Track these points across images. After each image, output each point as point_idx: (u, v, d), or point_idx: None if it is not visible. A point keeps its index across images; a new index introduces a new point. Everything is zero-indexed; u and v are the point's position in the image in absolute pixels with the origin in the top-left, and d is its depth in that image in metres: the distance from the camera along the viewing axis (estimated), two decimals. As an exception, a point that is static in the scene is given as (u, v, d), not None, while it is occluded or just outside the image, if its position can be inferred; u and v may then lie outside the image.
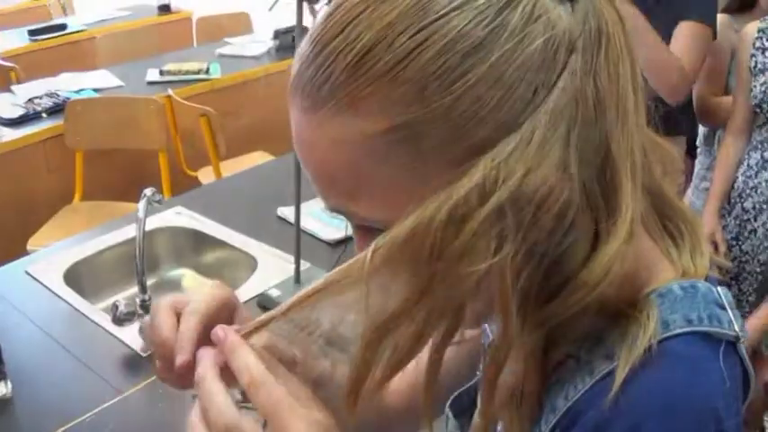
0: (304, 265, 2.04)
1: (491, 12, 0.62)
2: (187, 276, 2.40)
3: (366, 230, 0.71)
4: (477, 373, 0.92)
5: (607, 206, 0.66)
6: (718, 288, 0.74)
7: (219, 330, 0.77)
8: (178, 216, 2.49)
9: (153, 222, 2.36)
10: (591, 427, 0.69)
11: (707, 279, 0.75)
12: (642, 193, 0.70)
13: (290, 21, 3.96)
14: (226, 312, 0.85)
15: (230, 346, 0.75)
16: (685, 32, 2.40)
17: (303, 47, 0.68)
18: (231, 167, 3.67)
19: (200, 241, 2.40)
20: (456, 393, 0.94)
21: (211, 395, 0.73)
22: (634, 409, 0.67)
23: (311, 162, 0.69)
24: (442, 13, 0.62)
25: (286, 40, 4.77)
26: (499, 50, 0.61)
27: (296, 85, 0.68)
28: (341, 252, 2.16)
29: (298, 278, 2.01)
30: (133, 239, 1.98)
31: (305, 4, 1.79)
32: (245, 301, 2.01)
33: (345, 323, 0.73)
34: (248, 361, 0.74)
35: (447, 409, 0.94)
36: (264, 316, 0.76)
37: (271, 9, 1.72)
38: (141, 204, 1.85)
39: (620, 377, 0.67)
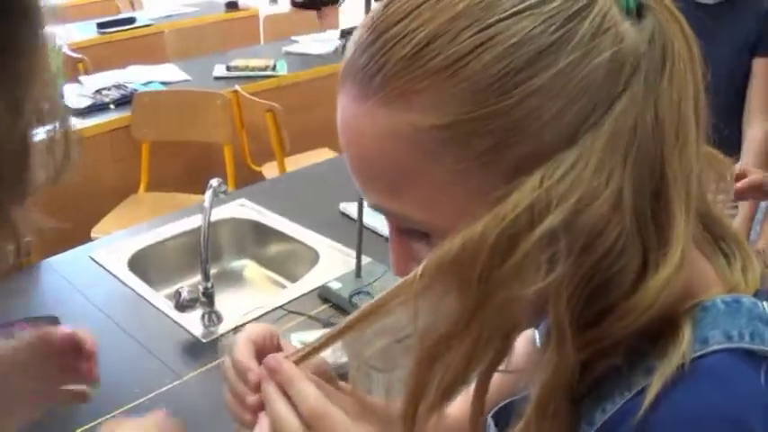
0: (365, 259, 2.03)
1: (560, 18, 0.60)
2: (249, 267, 2.41)
3: (404, 234, 0.69)
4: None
5: (659, 235, 0.63)
6: (765, 303, 0.71)
7: (272, 360, 0.76)
8: (241, 208, 2.50)
9: (217, 213, 2.37)
10: None
11: (757, 294, 0.72)
12: (695, 215, 0.67)
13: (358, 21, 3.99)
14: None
15: (287, 376, 0.75)
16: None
17: (359, 32, 0.66)
18: (295, 163, 3.69)
19: (263, 233, 2.41)
20: (501, 404, 0.91)
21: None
22: (661, 426, 0.64)
23: (356, 153, 0.67)
24: (510, 12, 0.59)
25: (352, 40, 4.77)
26: (565, 59, 0.59)
27: (347, 72, 0.66)
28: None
29: (359, 272, 2.00)
30: (197, 230, 1.99)
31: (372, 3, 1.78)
32: (307, 293, 2.02)
33: (393, 347, 0.71)
34: (307, 391, 0.74)
35: (489, 419, 0.91)
36: (315, 341, 0.76)
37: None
38: (208, 194, 1.86)
39: (651, 394, 0.65)
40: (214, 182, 1.88)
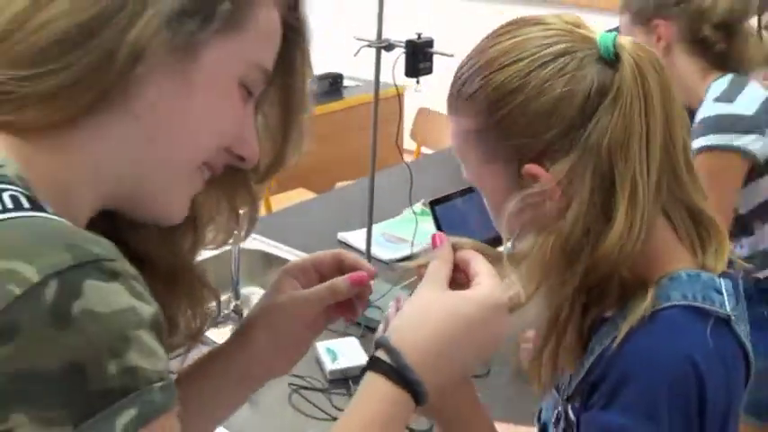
0: (370, 279, 2.28)
1: (564, 73, 0.98)
2: (257, 294, 2.64)
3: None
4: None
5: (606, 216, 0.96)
6: (722, 279, 1.01)
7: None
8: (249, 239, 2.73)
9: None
10: (595, 379, 0.99)
11: (724, 274, 1.03)
12: (678, 206, 1.01)
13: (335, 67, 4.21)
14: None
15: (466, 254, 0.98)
16: None
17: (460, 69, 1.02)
18: (277, 203, 3.92)
19: (270, 262, 2.65)
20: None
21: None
22: (625, 361, 0.97)
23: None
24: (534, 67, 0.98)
25: (323, 86, 5.05)
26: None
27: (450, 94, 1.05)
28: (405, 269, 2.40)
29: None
30: (219, 255, 2.24)
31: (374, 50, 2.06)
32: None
33: None
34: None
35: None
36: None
37: (356, 54, 1.98)
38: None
39: (619, 336, 0.97)
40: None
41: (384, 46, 2.03)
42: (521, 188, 1.00)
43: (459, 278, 0.95)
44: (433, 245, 0.98)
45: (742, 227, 2.30)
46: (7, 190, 0.64)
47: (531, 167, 0.99)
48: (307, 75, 0.92)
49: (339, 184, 3.84)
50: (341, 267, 1.05)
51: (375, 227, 2.53)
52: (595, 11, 3.95)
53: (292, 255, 2.61)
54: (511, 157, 1.01)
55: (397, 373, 0.84)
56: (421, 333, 0.87)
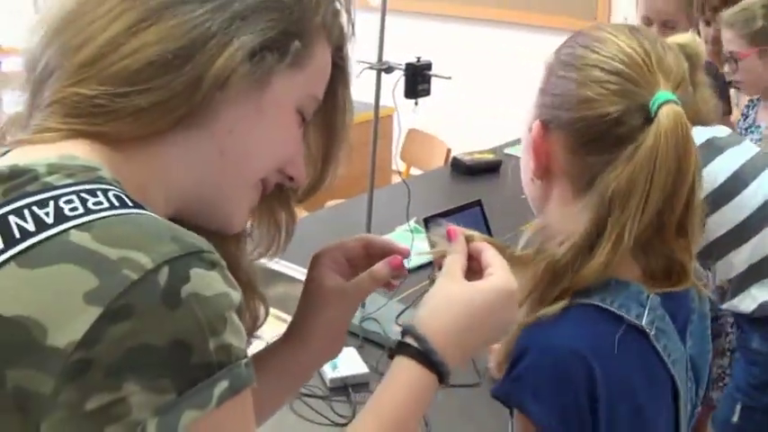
0: (368, 293, 2.36)
1: None
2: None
3: None
4: None
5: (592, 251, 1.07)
6: (652, 296, 1.12)
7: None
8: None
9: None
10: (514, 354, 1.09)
11: (677, 299, 1.16)
12: (657, 253, 1.12)
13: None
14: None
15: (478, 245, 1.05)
16: None
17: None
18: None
19: (266, 276, 2.71)
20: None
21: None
22: (525, 340, 1.08)
23: None
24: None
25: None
26: None
27: None
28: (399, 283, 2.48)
29: (364, 303, 2.33)
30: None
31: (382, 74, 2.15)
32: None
33: None
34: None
35: None
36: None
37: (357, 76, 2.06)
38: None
39: (522, 325, 1.09)
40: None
41: (384, 68, 2.12)
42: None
43: (473, 266, 1.04)
44: (449, 238, 1.06)
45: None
46: (111, 189, 0.73)
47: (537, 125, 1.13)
48: (347, 108, 1.02)
49: (329, 203, 3.92)
50: (368, 252, 1.12)
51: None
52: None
53: (291, 269, 2.68)
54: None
55: (425, 356, 0.93)
56: (444, 320, 0.96)
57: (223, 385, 0.68)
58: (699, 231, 1.12)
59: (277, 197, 1.01)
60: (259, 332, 1.06)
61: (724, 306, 2.45)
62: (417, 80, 2.14)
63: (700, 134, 2.26)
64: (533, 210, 1.23)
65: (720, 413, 2.53)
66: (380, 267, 1.07)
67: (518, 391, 1.06)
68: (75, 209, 0.69)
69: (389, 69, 2.13)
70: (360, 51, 2.06)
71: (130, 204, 0.73)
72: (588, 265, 1.06)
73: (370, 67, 2.11)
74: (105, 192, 0.72)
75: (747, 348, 2.46)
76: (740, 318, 2.47)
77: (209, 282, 0.69)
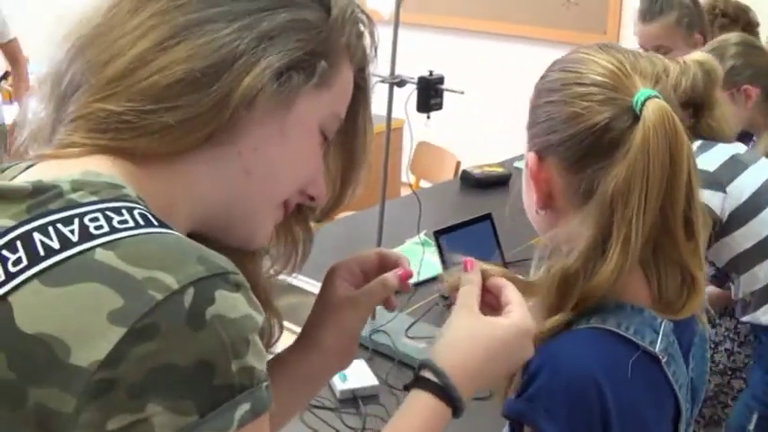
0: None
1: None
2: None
3: None
4: None
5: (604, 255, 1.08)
6: (666, 322, 1.14)
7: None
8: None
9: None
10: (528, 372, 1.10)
11: (684, 323, 1.17)
12: (669, 262, 1.13)
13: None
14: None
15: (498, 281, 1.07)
16: None
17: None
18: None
19: (280, 288, 2.71)
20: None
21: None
22: (540, 358, 1.08)
23: None
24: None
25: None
26: None
27: None
28: (410, 296, 2.49)
29: (374, 315, 2.34)
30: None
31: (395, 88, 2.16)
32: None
33: None
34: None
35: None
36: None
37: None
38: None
39: (544, 336, 1.10)
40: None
41: (397, 82, 2.13)
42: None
43: (490, 300, 1.06)
44: (465, 269, 1.07)
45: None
46: (136, 208, 0.73)
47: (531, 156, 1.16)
48: (368, 129, 1.03)
49: (339, 215, 3.93)
50: (382, 264, 1.13)
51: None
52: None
53: (302, 282, 2.69)
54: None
55: (443, 390, 0.95)
56: (463, 355, 0.97)
57: (244, 408, 0.68)
58: (705, 233, 1.13)
59: (295, 215, 1.01)
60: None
61: (745, 318, 2.49)
62: (430, 94, 2.14)
63: (724, 151, 2.30)
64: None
65: (735, 421, 2.55)
66: (391, 276, 1.08)
67: (532, 411, 1.07)
68: (100, 227, 0.69)
69: (402, 83, 2.14)
70: (372, 65, 2.08)
71: (155, 223, 0.73)
72: (600, 271, 1.06)
73: (383, 81, 2.12)
74: (131, 210, 0.72)
75: (766, 359, 2.50)
76: (759, 329, 2.50)
77: (233, 303, 0.68)
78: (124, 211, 0.72)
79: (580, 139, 1.09)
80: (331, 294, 1.10)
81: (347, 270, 1.11)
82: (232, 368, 0.67)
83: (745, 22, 3.11)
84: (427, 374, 0.96)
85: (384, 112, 2.20)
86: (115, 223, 0.70)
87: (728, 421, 2.63)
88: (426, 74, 2.16)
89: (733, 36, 2.68)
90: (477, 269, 1.07)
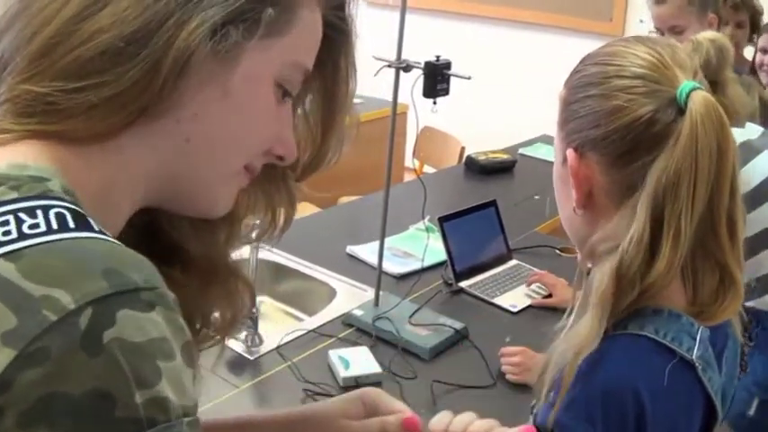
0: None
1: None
2: (265, 303, 2.71)
3: None
4: None
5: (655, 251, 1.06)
6: (702, 328, 1.13)
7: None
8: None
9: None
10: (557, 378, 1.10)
11: (718, 326, 1.16)
12: (709, 259, 1.11)
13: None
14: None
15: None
16: None
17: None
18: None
19: (278, 271, 2.72)
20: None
21: None
22: (580, 371, 1.07)
23: None
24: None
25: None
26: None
27: None
28: (413, 283, 2.48)
29: (377, 301, 2.33)
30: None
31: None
32: (329, 321, 2.34)
33: None
34: None
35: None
36: None
37: (375, 75, 2.05)
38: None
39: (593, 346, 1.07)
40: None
41: (403, 67, 2.10)
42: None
43: None
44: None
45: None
46: (54, 207, 0.66)
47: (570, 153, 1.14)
48: (350, 75, 0.93)
49: (342, 200, 3.92)
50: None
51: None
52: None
53: (302, 266, 2.69)
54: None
55: None
56: None
57: None
58: (743, 233, 1.13)
59: (269, 176, 0.92)
60: (268, 327, 1.04)
61: (749, 303, 2.48)
62: (436, 79, 2.12)
63: (735, 136, 2.29)
64: (575, 244, 1.23)
65: (735, 407, 2.54)
66: (393, 420, 1.04)
67: (569, 419, 1.07)
68: (8, 232, 0.62)
69: (408, 68, 2.12)
70: (378, 49, 2.06)
71: (71, 226, 0.65)
72: (655, 267, 1.05)
73: (389, 66, 2.10)
74: (46, 210, 0.65)
75: None
76: (763, 315, 2.51)
77: (140, 325, 0.60)
78: (39, 212, 0.64)
79: (624, 133, 1.08)
80: (330, 419, 1.06)
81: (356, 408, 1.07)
82: (136, 399, 0.58)
83: (751, 7, 3.12)
84: None
85: (390, 97, 2.18)
86: (25, 228, 0.63)
87: (728, 407, 2.62)
88: (433, 59, 2.14)
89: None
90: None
